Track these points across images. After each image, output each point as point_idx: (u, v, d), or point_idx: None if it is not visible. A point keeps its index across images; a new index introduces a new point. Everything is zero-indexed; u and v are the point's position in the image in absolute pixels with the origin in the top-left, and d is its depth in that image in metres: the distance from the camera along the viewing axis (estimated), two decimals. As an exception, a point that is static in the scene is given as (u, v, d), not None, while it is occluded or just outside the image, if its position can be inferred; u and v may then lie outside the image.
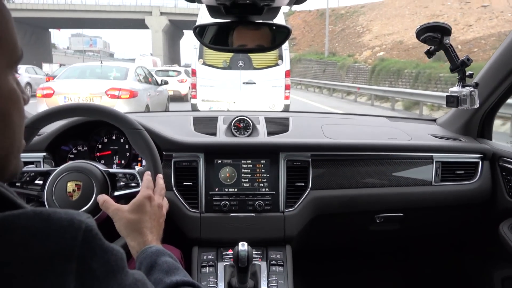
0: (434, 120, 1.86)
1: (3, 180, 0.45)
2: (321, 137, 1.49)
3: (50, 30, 47.66)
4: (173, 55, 46.45)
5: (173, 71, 15.38)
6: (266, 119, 1.57)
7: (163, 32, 39.31)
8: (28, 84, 14.42)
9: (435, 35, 1.25)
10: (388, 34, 23.27)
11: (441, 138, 1.61)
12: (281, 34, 1.07)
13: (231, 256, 1.20)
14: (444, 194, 1.49)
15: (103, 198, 0.89)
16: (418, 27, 1.29)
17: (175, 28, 46.30)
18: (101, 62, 7.88)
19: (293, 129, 1.52)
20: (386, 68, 16.97)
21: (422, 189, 1.47)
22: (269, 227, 1.32)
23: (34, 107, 6.04)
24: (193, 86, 6.92)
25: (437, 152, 1.49)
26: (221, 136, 1.43)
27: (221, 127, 1.48)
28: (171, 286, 0.69)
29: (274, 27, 1.06)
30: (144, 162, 1.31)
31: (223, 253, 1.28)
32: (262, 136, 1.45)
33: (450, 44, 1.29)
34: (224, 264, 1.25)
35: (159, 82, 8.60)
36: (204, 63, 6.82)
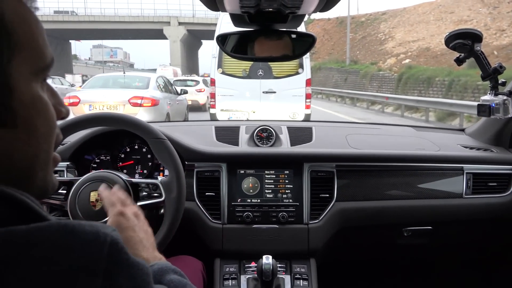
0: (463, 130, 1.83)
1: (32, 195, 0.44)
2: (345, 147, 1.48)
3: (71, 41, 49.32)
4: (191, 65, 47.23)
5: (191, 80, 15.65)
6: (289, 128, 1.57)
7: (181, 42, 40.06)
8: None
9: (465, 42, 1.24)
10: (413, 41, 22.95)
11: (471, 148, 1.58)
12: (304, 43, 1.08)
13: (254, 268, 1.19)
14: (476, 207, 1.45)
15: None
16: (447, 34, 1.27)
17: (193, 38, 47.14)
18: (124, 72, 8.31)
19: (316, 139, 1.52)
20: (415, 76, 16.11)
21: (452, 201, 1.44)
22: (293, 239, 1.31)
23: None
24: (212, 95, 6.94)
25: (468, 163, 1.45)
26: (244, 146, 1.44)
27: (243, 136, 1.49)
28: None
29: (298, 36, 1.07)
30: (166, 172, 1.33)
31: (246, 265, 1.28)
32: (285, 146, 1.45)
33: (481, 51, 1.26)
34: (247, 277, 1.24)
35: (179, 92, 8.92)
36: (223, 72, 6.82)
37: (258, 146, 1.44)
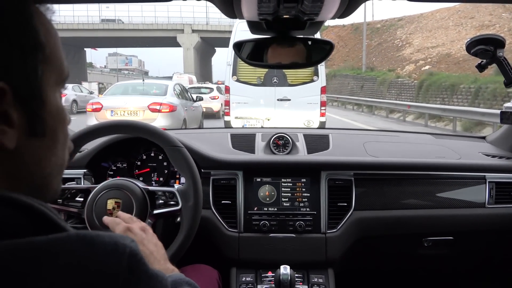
0: (484, 138, 1.80)
1: (45, 200, 0.46)
2: (363, 155, 1.48)
3: (85, 49, 50.42)
4: (204, 72, 47.70)
5: (205, 88, 15.86)
6: (305, 136, 1.57)
7: (194, 49, 40.50)
8: (74, 101, 16.23)
9: (487, 48, 1.23)
10: (432, 47, 22.64)
11: (493, 156, 1.56)
12: (322, 50, 1.08)
13: (271, 278, 1.19)
14: (499, 217, 1.43)
15: (111, 220, 0.89)
16: (468, 40, 1.27)
17: (207, 45, 47.61)
18: (143, 80, 8.99)
19: (333, 146, 1.51)
20: (437, 83, 15.50)
21: (474, 211, 1.42)
22: (310, 249, 1.31)
23: (84, 121, 7.22)
24: (226, 103, 7.04)
25: (490, 172, 1.43)
26: (260, 154, 1.44)
27: (260, 144, 1.50)
28: None
29: (316, 43, 1.07)
30: (182, 179, 1.34)
31: (263, 275, 1.28)
32: (302, 154, 1.45)
33: (504, 57, 1.25)
34: (264, 286, 1.24)
35: (194, 99, 9.37)
36: (238, 80, 6.90)
37: (274, 154, 1.44)
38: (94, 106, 7.52)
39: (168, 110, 7.46)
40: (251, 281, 1.27)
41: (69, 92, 16.13)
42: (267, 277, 1.27)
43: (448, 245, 1.48)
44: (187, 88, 12.30)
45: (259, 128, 3.26)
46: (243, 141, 1.54)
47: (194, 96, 9.68)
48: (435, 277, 1.84)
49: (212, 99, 14.31)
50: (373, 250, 1.50)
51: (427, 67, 20.22)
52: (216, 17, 41.44)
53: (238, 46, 1.10)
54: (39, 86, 0.45)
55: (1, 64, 0.41)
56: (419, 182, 1.41)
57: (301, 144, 1.51)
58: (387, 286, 1.84)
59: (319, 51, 1.07)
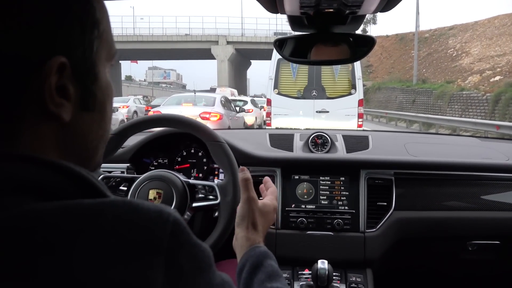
0: None
1: (89, 169, 0.50)
2: (404, 155, 1.50)
3: (121, 62, 52.70)
4: (239, 85, 48.43)
5: (240, 100, 16.26)
6: (344, 137, 1.62)
7: (229, 61, 41.27)
8: (135, 112, 18.80)
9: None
10: (497, 55, 21.53)
11: None
12: (363, 46, 1.13)
13: (308, 276, 1.23)
14: None
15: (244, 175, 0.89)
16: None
17: (242, 57, 48.46)
18: (195, 93, 10.96)
19: (373, 147, 1.55)
20: None
21: None
22: (348, 247, 1.34)
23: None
24: (268, 114, 8.04)
25: None
26: (298, 152, 1.50)
27: (298, 143, 1.56)
28: None
29: (356, 39, 1.12)
30: (221, 176, 1.41)
31: (299, 272, 1.32)
32: (341, 153, 1.49)
33: None
34: (301, 283, 1.28)
35: (237, 110, 11.41)
36: (279, 93, 7.80)
37: (312, 152, 1.49)
38: (155, 114, 9.46)
39: (216, 119, 9.28)
40: (287, 278, 1.30)
41: (131, 104, 19.35)
42: (303, 274, 1.30)
43: (494, 250, 1.46)
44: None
45: (297, 129, 3.39)
46: (282, 140, 1.61)
47: (236, 107, 11.56)
48: (480, 284, 1.81)
49: (246, 112, 14.48)
50: (415, 252, 1.50)
51: (497, 77, 18.54)
52: (251, 28, 42.16)
53: (280, 43, 1.17)
54: (93, 61, 0.50)
55: (63, 40, 0.46)
56: (463, 183, 1.42)
57: (340, 144, 1.55)
58: None
59: (361, 47, 1.12)
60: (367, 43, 1.12)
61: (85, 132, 0.51)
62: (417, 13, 23.29)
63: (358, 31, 1.15)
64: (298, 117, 7.65)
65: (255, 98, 19.89)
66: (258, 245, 0.83)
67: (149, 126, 1.30)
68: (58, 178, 0.44)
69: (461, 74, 22.17)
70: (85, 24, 0.48)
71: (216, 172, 1.47)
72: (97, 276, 0.37)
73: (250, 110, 14.66)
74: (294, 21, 1.08)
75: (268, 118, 7.94)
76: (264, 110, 15.62)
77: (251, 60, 58.22)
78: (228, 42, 41.05)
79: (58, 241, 0.38)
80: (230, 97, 18.76)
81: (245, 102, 15.65)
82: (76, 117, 0.48)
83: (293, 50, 1.17)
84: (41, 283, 0.36)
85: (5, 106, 0.44)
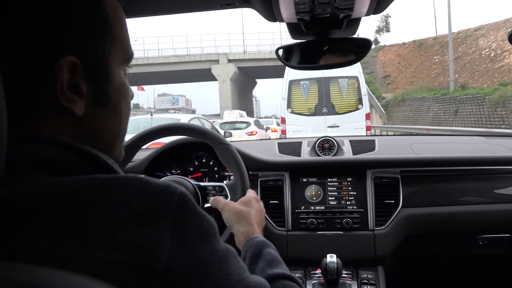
0: None
1: None
2: (410, 154, 1.65)
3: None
4: (244, 106, 48.77)
5: (241, 122, 16.10)
6: (351, 141, 1.79)
7: (231, 81, 41.38)
8: None
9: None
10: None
11: None
12: (361, 48, 1.31)
13: (320, 275, 1.37)
14: None
15: (213, 198, 1.18)
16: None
17: (246, 76, 48.71)
18: (151, 115, 12.89)
19: (379, 148, 1.72)
20: None
21: None
22: (359, 246, 1.49)
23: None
24: (283, 132, 9.60)
25: None
26: (306, 156, 1.67)
27: (305, 149, 1.74)
28: (272, 276, 0.84)
29: (353, 43, 1.30)
30: (232, 179, 1.59)
31: (311, 272, 1.47)
32: (347, 155, 1.66)
33: None
34: (313, 282, 1.42)
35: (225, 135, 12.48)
36: (292, 112, 9.49)
37: (319, 156, 1.67)
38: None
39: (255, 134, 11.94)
40: (300, 277, 1.45)
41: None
42: (315, 273, 1.45)
43: (506, 244, 1.58)
44: (219, 124, 15.80)
45: (305, 137, 3.63)
46: (290, 147, 1.80)
47: (222, 131, 12.37)
48: (493, 280, 1.90)
49: (249, 134, 14.44)
50: (425, 248, 1.63)
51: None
52: (254, 44, 42.47)
53: (283, 51, 1.35)
54: (106, 62, 0.59)
55: (75, 41, 0.55)
56: (470, 178, 1.56)
57: (346, 147, 1.73)
58: (441, 286, 1.92)
59: (359, 50, 1.30)
60: (364, 45, 1.30)
61: (100, 128, 0.61)
62: (449, 13, 22.92)
63: (364, 36, 1.34)
64: (312, 133, 8.76)
65: (259, 119, 19.97)
66: (255, 235, 0.99)
67: (156, 137, 1.47)
68: (75, 158, 0.54)
69: (509, 74, 20.44)
70: (96, 27, 0.57)
71: (228, 180, 1.63)
72: (110, 239, 0.45)
73: (254, 133, 14.69)
74: (293, 28, 1.26)
75: (284, 136, 9.36)
76: (273, 131, 17.05)
77: (256, 80, 58.77)
78: (229, 61, 41.32)
79: (80, 206, 0.46)
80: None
81: (248, 124, 15.62)
82: (89, 113, 0.58)
83: (294, 57, 1.35)
84: (61, 242, 0.44)
85: (23, 96, 0.54)
